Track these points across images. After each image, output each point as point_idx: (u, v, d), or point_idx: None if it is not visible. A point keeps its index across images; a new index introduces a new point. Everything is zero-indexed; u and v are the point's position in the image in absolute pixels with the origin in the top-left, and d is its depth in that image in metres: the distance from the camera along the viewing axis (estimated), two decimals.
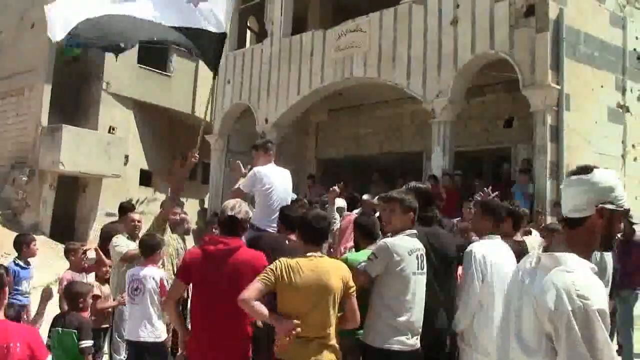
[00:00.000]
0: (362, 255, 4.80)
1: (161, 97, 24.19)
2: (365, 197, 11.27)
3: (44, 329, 5.34)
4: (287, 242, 5.62)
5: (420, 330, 4.56)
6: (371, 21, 15.65)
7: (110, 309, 7.27)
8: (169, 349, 6.73)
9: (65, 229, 20.95)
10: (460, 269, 6.25)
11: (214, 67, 7.15)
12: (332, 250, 8.85)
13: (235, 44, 20.12)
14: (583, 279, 2.35)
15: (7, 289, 3.33)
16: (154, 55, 23.59)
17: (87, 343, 5.35)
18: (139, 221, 7.96)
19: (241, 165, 7.15)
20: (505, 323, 2.62)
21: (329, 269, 4.16)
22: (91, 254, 7.98)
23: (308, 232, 4.31)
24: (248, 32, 22.78)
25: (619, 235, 8.99)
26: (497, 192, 6.48)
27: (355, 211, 10.44)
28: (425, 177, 14.60)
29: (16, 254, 8.02)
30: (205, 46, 6.90)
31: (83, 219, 22.09)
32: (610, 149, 13.25)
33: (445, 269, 5.08)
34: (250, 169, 6.93)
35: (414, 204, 4.72)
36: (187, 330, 4.60)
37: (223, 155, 19.68)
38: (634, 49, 14.09)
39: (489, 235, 5.16)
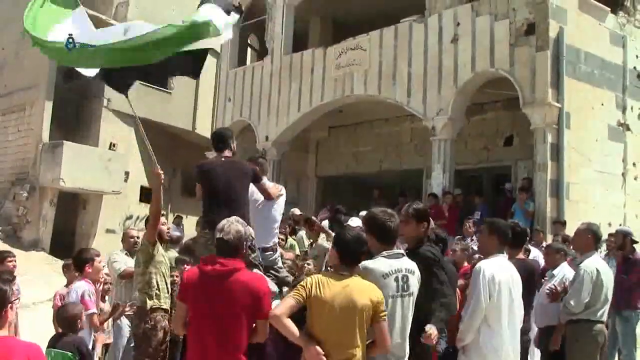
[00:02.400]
0: None
1: (162, 114, 24.20)
2: (363, 214, 11.24)
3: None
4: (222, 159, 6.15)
5: (406, 353, 4.49)
6: (371, 39, 15.71)
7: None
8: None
9: (66, 246, 20.87)
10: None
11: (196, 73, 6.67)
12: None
13: (236, 61, 20.20)
14: None
15: (11, 306, 3.30)
16: None
17: None
18: (138, 237, 7.97)
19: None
20: None
21: (359, 289, 4.11)
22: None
23: (345, 253, 4.27)
24: (249, 49, 22.85)
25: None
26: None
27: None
28: (425, 195, 14.61)
29: None
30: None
31: (83, 235, 22.04)
32: (611, 167, 13.25)
33: (452, 287, 5.11)
34: None
35: (381, 225, 4.57)
36: None
37: None
38: (634, 67, 14.12)
39: (496, 254, 5.24)
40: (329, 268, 8.32)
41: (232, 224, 4.39)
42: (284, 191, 7.07)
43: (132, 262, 7.54)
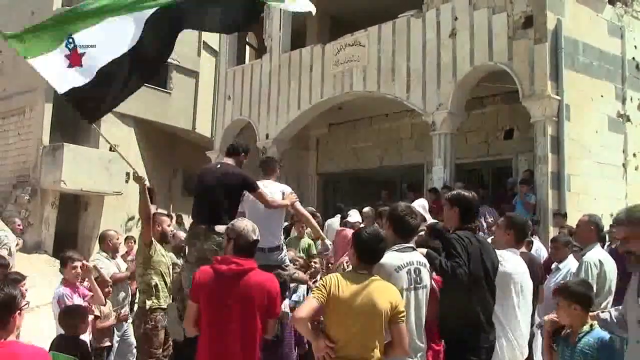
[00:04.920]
0: None
1: (161, 114, 24.23)
2: (365, 210, 11.27)
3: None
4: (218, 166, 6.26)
5: (423, 345, 4.51)
6: (370, 35, 15.69)
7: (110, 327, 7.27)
8: None
9: (68, 248, 20.88)
10: None
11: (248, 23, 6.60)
12: (329, 266, 8.84)
13: (235, 60, 20.21)
14: None
15: (19, 312, 3.30)
16: None
17: None
18: (118, 239, 8.07)
19: None
20: None
21: (378, 289, 4.09)
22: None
23: (363, 251, 4.25)
24: (247, 48, 22.86)
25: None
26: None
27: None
28: (426, 190, 14.60)
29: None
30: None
31: (85, 236, 22.07)
32: (611, 158, 13.24)
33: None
34: None
35: (400, 219, 4.61)
36: None
37: None
38: (633, 58, 14.11)
39: (510, 249, 5.26)
40: (328, 266, 8.34)
41: (255, 225, 4.52)
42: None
43: (114, 267, 7.59)
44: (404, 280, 4.38)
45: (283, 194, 6.84)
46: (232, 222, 4.65)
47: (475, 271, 4.75)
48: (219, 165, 6.39)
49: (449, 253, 4.80)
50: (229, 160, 6.42)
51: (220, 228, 4.90)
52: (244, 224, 4.52)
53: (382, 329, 4.05)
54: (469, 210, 5.10)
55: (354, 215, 10.55)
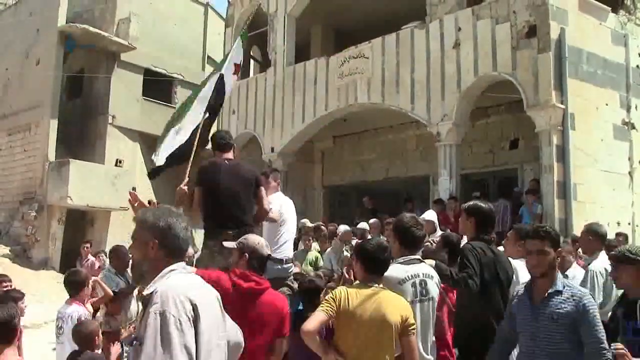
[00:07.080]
0: None
1: None
2: (372, 221, 11.26)
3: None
4: (226, 162, 5.99)
5: (429, 357, 4.48)
6: (373, 47, 15.73)
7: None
8: None
9: (75, 264, 20.88)
10: None
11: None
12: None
13: (239, 73, 20.23)
14: None
15: (19, 328, 3.29)
16: (159, 87, 23.71)
17: None
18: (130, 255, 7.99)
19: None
20: None
21: (388, 302, 4.07)
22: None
23: (369, 263, 4.23)
24: (251, 61, 22.91)
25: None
26: None
27: None
28: (432, 202, 14.57)
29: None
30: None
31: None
32: (617, 166, 13.20)
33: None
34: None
35: (405, 231, 4.61)
36: None
37: None
38: (637, 66, 14.09)
39: (522, 259, 5.27)
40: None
41: (263, 241, 4.53)
42: (285, 213, 6.91)
43: (124, 284, 7.55)
44: (408, 293, 4.36)
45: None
46: (244, 237, 4.61)
47: (488, 281, 4.75)
48: (226, 161, 6.03)
49: (461, 263, 4.79)
50: (230, 155, 6.13)
51: (229, 244, 4.79)
52: (257, 238, 4.53)
53: (392, 342, 4.03)
54: (484, 221, 5.12)
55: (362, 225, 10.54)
